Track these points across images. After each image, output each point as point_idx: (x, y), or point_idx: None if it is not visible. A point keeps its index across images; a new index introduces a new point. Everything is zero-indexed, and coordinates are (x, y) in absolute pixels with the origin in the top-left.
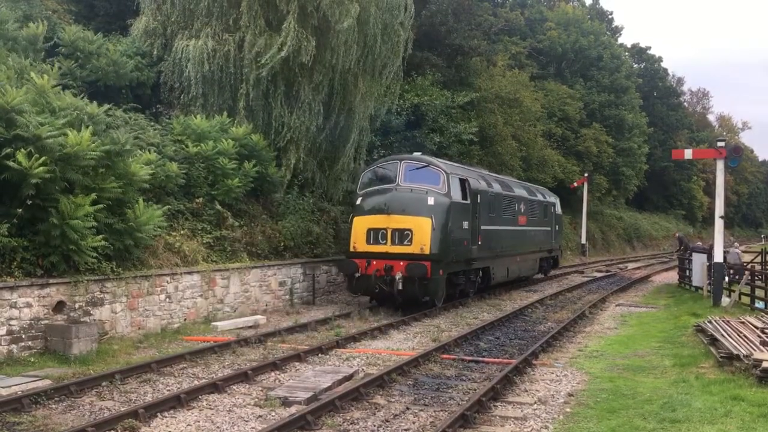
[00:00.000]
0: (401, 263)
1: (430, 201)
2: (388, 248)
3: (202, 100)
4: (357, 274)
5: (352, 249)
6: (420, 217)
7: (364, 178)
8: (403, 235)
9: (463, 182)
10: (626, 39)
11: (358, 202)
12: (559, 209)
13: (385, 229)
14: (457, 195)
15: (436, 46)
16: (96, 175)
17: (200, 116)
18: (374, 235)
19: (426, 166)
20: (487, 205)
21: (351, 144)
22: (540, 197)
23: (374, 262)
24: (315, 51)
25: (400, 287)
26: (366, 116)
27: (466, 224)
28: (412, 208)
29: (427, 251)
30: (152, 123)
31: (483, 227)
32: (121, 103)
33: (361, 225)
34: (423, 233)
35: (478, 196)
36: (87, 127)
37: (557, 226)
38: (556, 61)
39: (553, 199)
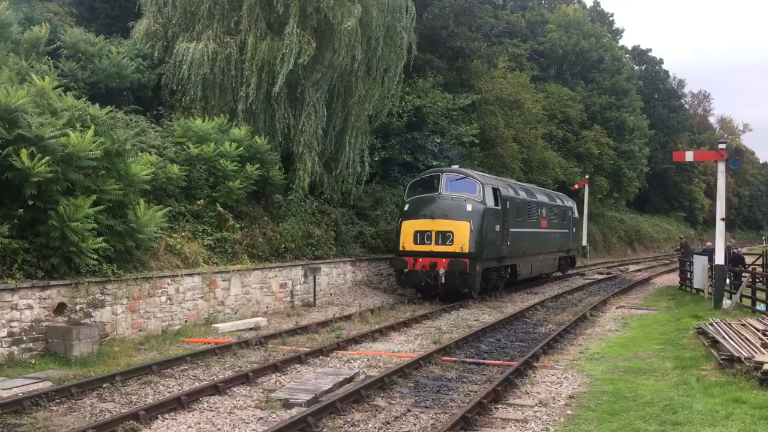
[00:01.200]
0: (444, 260)
1: (468, 207)
2: (433, 247)
3: (203, 103)
4: (405, 270)
5: (401, 248)
6: (460, 221)
7: (410, 187)
8: (445, 237)
9: (495, 191)
10: (627, 41)
11: (406, 208)
12: (576, 213)
13: (430, 231)
14: (490, 202)
15: (437, 48)
16: (97, 176)
17: (200, 118)
18: (420, 236)
19: (464, 177)
20: (515, 211)
21: (355, 146)
22: (559, 202)
23: (420, 260)
24: (317, 53)
25: (443, 280)
26: (368, 118)
27: (497, 227)
28: (453, 213)
29: (466, 250)
30: (153, 125)
31: (511, 229)
32: (122, 105)
33: (409, 228)
34: (462, 235)
35: (507, 202)
36: (88, 127)
37: (574, 229)
38: (557, 63)
39: (570, 203)
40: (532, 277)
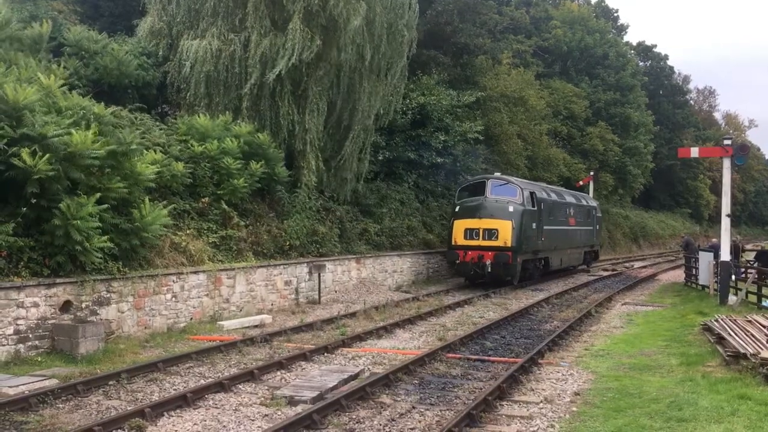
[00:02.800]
0: (490, 253)
1: (510, 209)
2: (480, 242)
3: (207, 100)
4: (457, 261)
5: (453, 243)
6: (503, 220)
7: (460, 191)
8: (491, 233)
9: (531, 194)
10: (632, 37)
11: (457, 209)
12: (599, 212)
13: (478, 228)
14: (528, 204)
15: (441, 45)
16: (101, 174)
17: (204, 116)
18: (470, 233)
19: (506, 183)
20: (548, 211)
21: (356, 143)
22: (584, 203)
23: (469, 253)
24: (321, 50)
25: (489, 270)
26: (371, 115)
27: (534, 225)
28: (497, 213)
29: (509, 244)
30: (158, 123)
31: (545, 227)
32: (126, 103)
33: (459, 226)
34: (506, 232)
35: (542, 204)
36: (91, 126)
37: (597, 226)
38: (562, 60)
39: (594, 203)
40: (561, 268)
